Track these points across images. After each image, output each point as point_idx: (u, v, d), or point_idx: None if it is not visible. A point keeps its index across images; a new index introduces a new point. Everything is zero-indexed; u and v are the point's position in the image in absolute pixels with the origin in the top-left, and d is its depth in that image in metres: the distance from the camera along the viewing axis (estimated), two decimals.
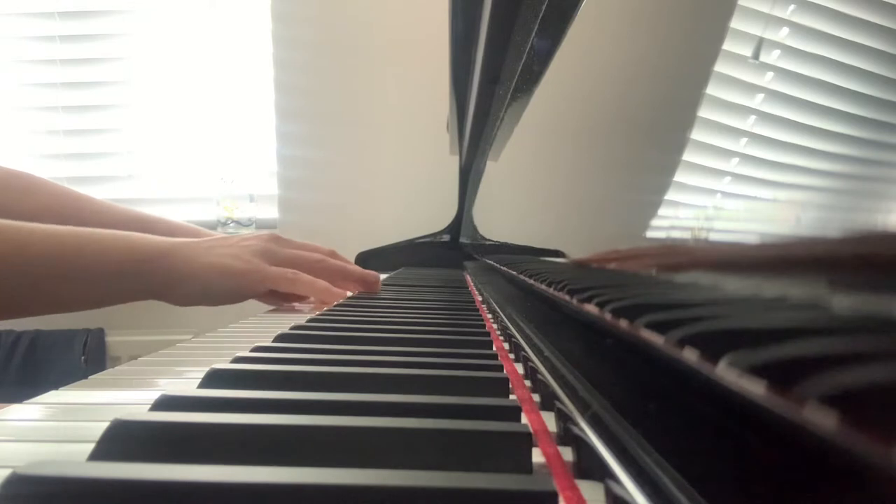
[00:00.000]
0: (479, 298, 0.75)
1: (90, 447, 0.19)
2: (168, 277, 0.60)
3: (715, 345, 0.16)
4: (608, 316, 0.24)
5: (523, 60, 0.60)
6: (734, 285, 0.17)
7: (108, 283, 0.59)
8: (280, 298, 0.70)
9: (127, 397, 0.31)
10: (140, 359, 0.40)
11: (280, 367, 0.30)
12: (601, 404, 0.24)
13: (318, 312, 0.58)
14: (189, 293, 0.62)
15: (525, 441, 0.20)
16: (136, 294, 0.62)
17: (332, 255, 0.81)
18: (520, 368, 0.37)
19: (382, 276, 1.07)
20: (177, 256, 0.61)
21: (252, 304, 0.71)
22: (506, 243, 0.75)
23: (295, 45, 1.76)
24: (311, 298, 0.70)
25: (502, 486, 0.16)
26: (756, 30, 0.18)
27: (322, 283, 0.66)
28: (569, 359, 0.32)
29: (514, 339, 0.44)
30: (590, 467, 0.21)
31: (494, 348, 0.40)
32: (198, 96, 1.84)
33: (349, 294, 0.70)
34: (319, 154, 1.78)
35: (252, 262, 0.64)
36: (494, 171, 0.92)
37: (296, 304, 0.71)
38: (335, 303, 0.65)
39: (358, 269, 0.73)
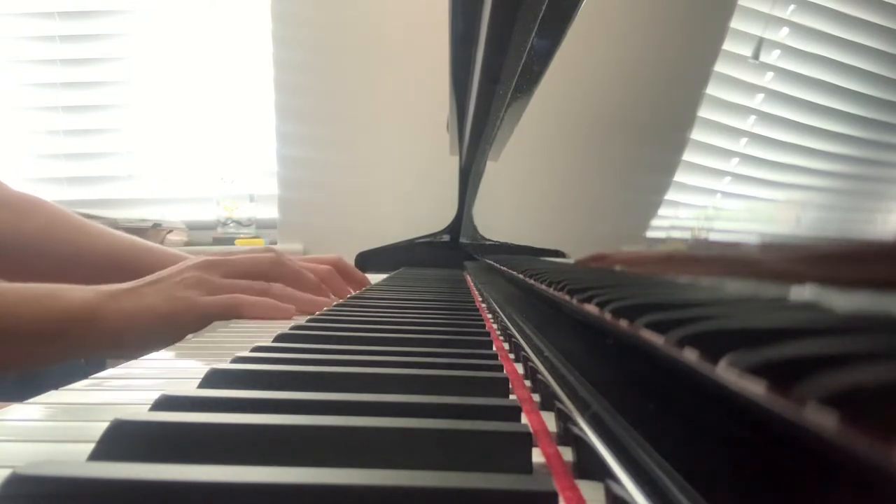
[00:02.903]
0: (479, 298, 0.75)
1: (90, 447, 0.19)
2: (100, 336, 0.57)
3: (715, 345, 0.16)
4: (608, 316, 0.24)
5: (523, 60, 0.60)
6: (734, 285, 0.17)
7: (34, 347, 0.56)
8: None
9: (127, 397, 0.31)
10: (140, 359, 0.40)
11: (280, 367, 0.30)
12: (601, 404, 0.24)
13: (318, 313, 0.58)
14: (129, 345, 0.58)
15: (525, 441, 0.20)
16: (68, 355, 0.58)
17: (337, 262, 0.79)
18: (520, 368, 0.37)
19: (382, 276, 1.07)
20: (107, 311, 0.57)
21: None
22: (506, 243, 0.75)
23: (295, 45, 1.76)
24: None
25: (502, 486, 0.16)
26: (756, 30, 0.18)
27: (267, 301, 0.61)
28: (569, 359, 0.32)
29: (514, 339, 0.44)
30: (590, 467, 0.21)
31: (494, 348, 0.40)
32: (198, 96, 1.84)
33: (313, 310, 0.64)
34: (319, 154, 1.78)
35: (182, 299, 0.59)
36: (494, 171, 0.92)
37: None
38: (310, 314, 0.60)
39: (307, 297, 0.66)
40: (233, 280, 0.63)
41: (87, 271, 0.73)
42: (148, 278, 0.62)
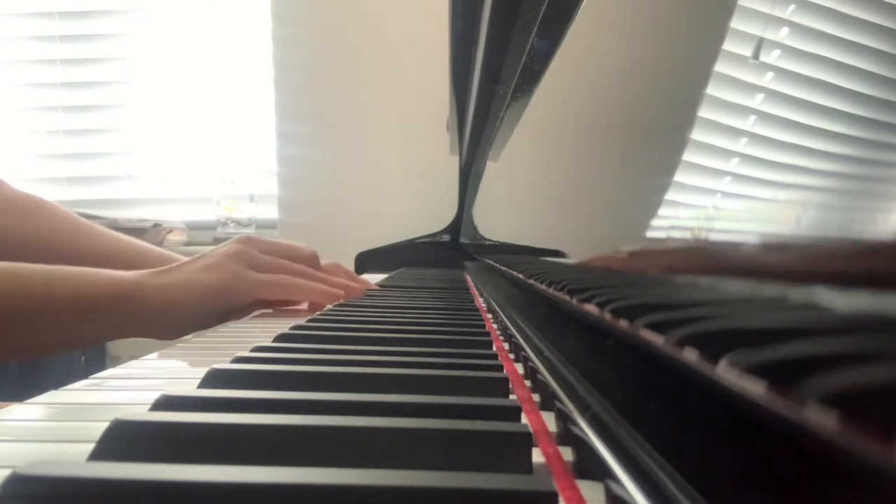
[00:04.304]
0: (480, 298, 0.75)
1: (90, 447, 0.19)
2: (146, 312, 0.55)
3: (715, 345, 0.16)
4: (608, 316, 0.24)
5: (523, 60, 0.60)
6: (734, 285, 0.17)
7: (80, 324, 0.54)
8: (269, 305, 0.66)
9: (127, 397, 0.31)
10: (140, 359, 0.40)
11: (280, 367, 0.30)
12: (601, 404, 0.24)
13: (317, 312, 0.58)
14: (176, 323, 0.57)
15: (525, 441, 0.20)
16: (113, 333, 0.56)
17: (314, 257, 0.79)
18: (520, 368, 0.37)
19: (382, 277, 1.07)
20: (151, 287, 0.55)
21: None
22: (506, 243, 0.75)
23: (295, 45, 1.76)
24: (305, 304, 0.66)
25: (502, 486, 0.16)
26: (756, 30, 0.18)
27: (316, 285, 0.63)
28: (569, 359, 0.32)
29: (514, 339, 0.44)
30: (590, 467, 0.21)
31: (494, 348, 0.40)
32: (198, 96, 1.84)
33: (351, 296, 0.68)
34: (319, 154, 1.78)
35: (231, 271, 0.58)
36: (494, 171, 0.92)
37: (290, 308, 0.68)
38: (331, 305, 0.63)
39: (339, 282, 0.67)
40: (274, 258, 0.63)
41: None
42: (188, 259, 0.61)
